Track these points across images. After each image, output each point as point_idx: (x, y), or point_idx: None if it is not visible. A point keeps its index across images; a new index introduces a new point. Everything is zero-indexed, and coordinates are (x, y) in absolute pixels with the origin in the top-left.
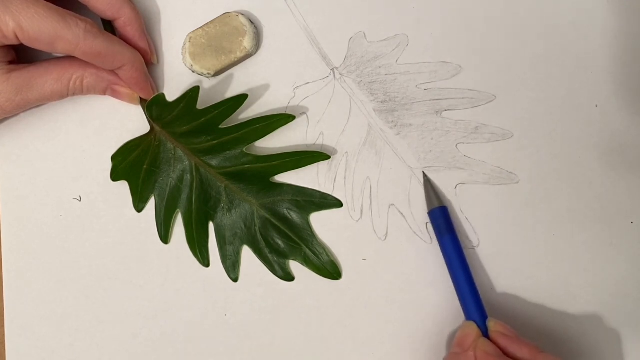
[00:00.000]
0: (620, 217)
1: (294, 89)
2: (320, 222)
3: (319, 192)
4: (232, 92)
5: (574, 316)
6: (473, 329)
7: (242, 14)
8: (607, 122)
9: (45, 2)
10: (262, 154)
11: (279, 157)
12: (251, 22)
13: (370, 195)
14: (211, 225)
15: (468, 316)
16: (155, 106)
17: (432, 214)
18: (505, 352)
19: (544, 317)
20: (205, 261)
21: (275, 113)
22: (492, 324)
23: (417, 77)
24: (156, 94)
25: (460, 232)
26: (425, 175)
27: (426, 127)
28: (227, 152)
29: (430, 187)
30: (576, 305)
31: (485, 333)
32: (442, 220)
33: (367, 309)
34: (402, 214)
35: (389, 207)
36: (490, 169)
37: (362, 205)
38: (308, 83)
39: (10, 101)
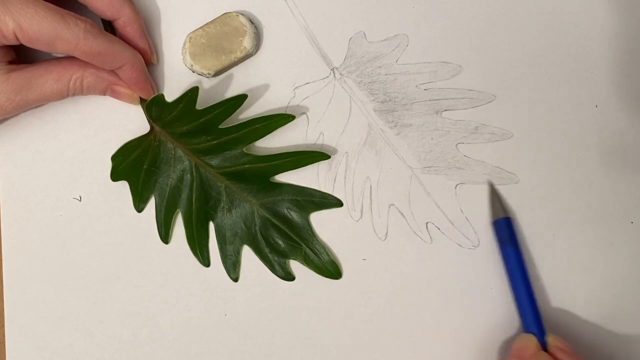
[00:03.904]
0: (620, 217)
1: (294, 89)
2: (320, 221)
3: (319, 191)
4: (232, 92)
5: (573, 316)
6: (532, 341)
7: (242, 14)
8: (607, 122)
9: (44, 2)
10: (262, 154)
11: (279, 157)
12: (251, 22)
13: (370, 195)
14: (211, 225)
15: (526, 328)
16: (155, 106)
17: (496, 224)
18: None
19: (542, 317)
20: (205, 261)
21: (275, 113)
22: (552, 339)
23: (417, 77)
24: (156, 94)
25: (460, 232)
26: (491, 186)
27: (426, 127)
28: (227, 152)
29: (496, 197)
30: (576, 305)
31: (543, 347)
32: (507, 231)
33: (367, 309)
34: (402, 214)
35: (389, 207)
36: (490, 169)
37: (362, 205)
38: (308, 83)
39: (10, 101)
